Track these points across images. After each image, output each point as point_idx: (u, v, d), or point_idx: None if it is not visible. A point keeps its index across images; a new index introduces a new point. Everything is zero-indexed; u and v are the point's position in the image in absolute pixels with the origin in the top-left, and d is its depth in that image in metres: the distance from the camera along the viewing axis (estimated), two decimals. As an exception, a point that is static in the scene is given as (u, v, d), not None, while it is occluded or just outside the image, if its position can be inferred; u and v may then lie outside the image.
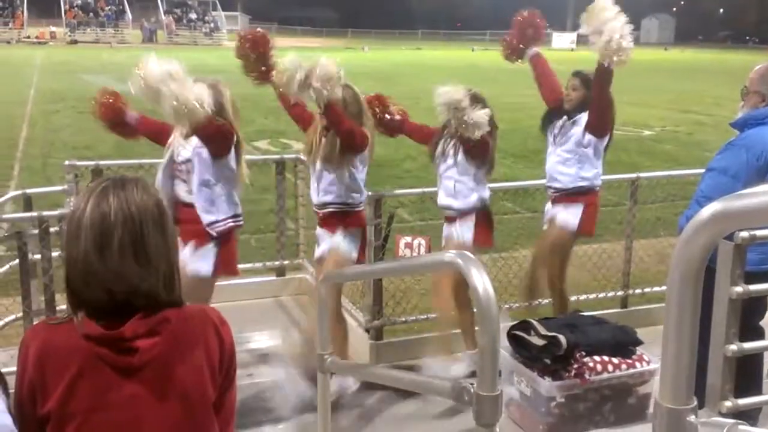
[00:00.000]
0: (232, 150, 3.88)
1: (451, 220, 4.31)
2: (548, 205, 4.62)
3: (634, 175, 5.20)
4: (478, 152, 4.16)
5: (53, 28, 49.39)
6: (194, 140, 3.82)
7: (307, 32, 65.81)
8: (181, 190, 3.93)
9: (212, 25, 54.08)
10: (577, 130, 4.36)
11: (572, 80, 4.41)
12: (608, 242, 5.82)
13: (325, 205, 4.17)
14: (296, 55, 3.94)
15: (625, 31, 3.95)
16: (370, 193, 4.43)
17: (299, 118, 4.49)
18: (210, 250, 3.85)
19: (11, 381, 1.53)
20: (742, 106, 3.55)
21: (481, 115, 4.01)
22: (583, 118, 4.33)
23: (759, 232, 2.61)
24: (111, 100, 4.26)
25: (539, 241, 4.77)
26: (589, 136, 4.33)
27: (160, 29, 51.43)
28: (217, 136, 3.78)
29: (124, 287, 1.47)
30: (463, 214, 4.23)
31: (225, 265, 3.93)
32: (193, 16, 54.91)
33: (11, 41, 45.89)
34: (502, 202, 7.53)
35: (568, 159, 4.40)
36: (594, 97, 4.25)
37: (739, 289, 2.61)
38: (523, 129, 13.31)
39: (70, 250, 1.49)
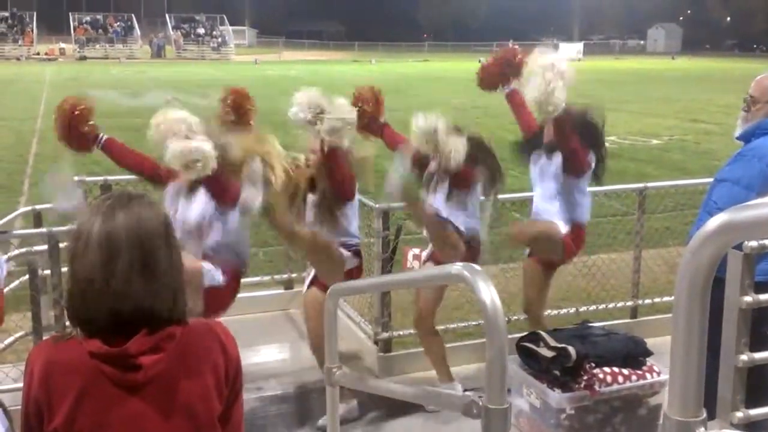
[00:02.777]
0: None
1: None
2: None
3: (641, 185, 5.18)
4: (464, 182, 4.09)
5: (63, 45, 49.91)
6: (200, 197, 3.67)
7: (314, 45, 66.27)
8: (193, 249, 3.68)
9: (220, 39, 54.49)
10: (556, 168, 4.19)
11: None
12: (617, 252, 5.80)
13: None
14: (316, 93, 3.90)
15: (552, 86, 3.75)
16: (377, 205, 4.44)
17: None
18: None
19: (18, 397, 1.54)
20: (746, 116, 3.46)
21: (457, 143, 3.95)
22: (560, 156, 4.16)
23: (768, 242, 2.59)
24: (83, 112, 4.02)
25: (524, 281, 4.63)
26: (565, 176, 4.16)
27: (168, 44, 51.85)
28: (223, 189, 3.65)
29: (130, 304, 1.47)
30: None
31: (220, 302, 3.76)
32: (201, 31, 55.36)
33: (21, 58, 46.39)
34: (510, 213, 7.52)
35: (550, 195, 4.24)
36: (559, 147, 4.11)
37: (749, 299, 2.60)
38: (530, 139, 13.24)
39: (75, 267, 1.49)
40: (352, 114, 3.93)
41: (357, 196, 4.13)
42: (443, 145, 3.94)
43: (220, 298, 3.69)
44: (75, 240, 1.51)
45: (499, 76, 4.49)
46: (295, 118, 3.89)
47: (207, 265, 3.63)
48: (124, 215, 1.49)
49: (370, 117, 4.43)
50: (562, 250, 4.22)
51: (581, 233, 4.29)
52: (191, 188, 3.68)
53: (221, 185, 3.62)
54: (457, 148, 3.95)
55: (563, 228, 4.19)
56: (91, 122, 4.03)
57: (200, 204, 3.64)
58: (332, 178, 3.91)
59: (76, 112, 3.98)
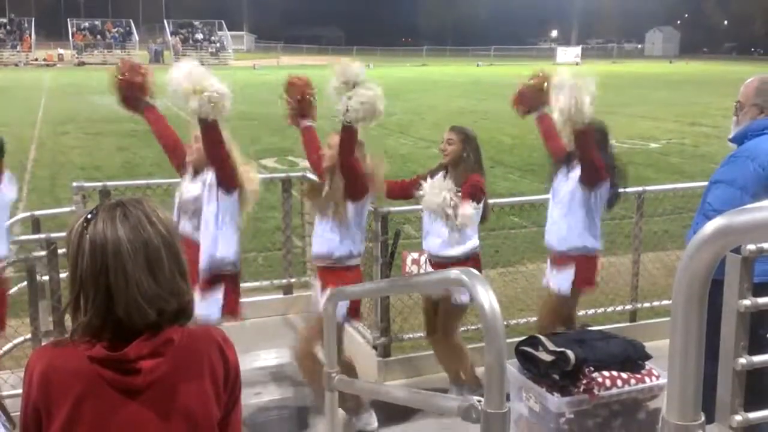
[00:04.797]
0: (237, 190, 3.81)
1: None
2: (547, 266, 4.47)
3: (640, 189, 5.19)
4: (479, 193, 4.15)
5: (61, 51, 49.92)
6: (206, 176, 3.80)
7: (312, 50, 66.31)
8: (188, 228, 3.87)
9: (218, 45, 54.52)
10: (571, 184, 4.21)
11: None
12: (616, 256, 5.81)
13: (319, 258, 4.04)
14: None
15: (582, 94, 3.86)
16: (377, 208, 4.44)
17: (315, 163, 4.31)
18: (216, 297, 3.77)
19: (17, 404, 1.54)
20: (736, 121, 3.52)
21: (468, 213, 3.98)
22: (577, 171, 4.18)
23: (767, 245, 2.59)
24: (141, 75, 4.13)
25: (540, 306, 4.65)
26: (580, 189, 4.17)
27: (166, 50, 51.84)
28: (231, 169, 3.74)
29: (134, 310, 1.47)
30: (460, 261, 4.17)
31: (230, 310, 3.85)
32: (200, 36, 55.38)
33: (19, 64, 46.39)
34: (509, 217, 7.52)
35: (564, 214, 4.24)
36: (579, 156, 4.13)
37: (747, 302, 2.60)
38: (528, 143, 13.33)
39: (78, 274, 1.49)
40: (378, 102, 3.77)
41: (368, 202, 4.04)
42: (453, 217, 4.00)
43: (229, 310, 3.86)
44: (77, 245, 1.50)
45: (533, 101, 4.55)
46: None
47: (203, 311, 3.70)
48: (128, 220, 1.49)
49: (296, 111, 4.29)
50: (578, 295, 4.35)
51: (592, 264, 4.29)
52: (196, 171, 3.87)
53: (229, 172, 3.71)
54: (468, 218, 4.00)
55: (567, 280, 4.22)
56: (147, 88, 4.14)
57: (202, 185, 3.78)
58: (347, 174, 3.87)
59: (142, 73, 4.13)
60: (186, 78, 3.56)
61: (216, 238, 3.74)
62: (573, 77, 3.96)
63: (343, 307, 3.85)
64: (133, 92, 4.09)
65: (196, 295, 3.62)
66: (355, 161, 3.85)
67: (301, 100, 4.27)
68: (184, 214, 3.92)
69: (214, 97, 3.53)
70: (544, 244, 4.44)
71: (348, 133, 3.77)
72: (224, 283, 3.78)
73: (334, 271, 3.96)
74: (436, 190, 4.04)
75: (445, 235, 4.16)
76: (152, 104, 4.15)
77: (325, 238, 3.96)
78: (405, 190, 4.33)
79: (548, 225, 4.39)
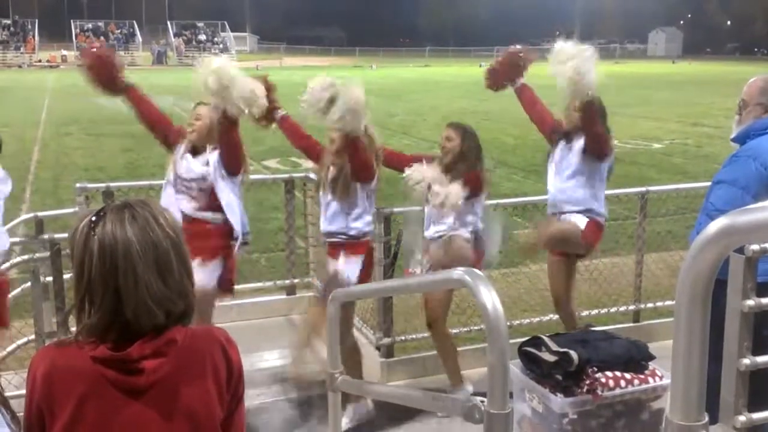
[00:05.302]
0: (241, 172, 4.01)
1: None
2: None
3: (643, 189, 5.19)
4: (477, 187, 4.17)
5: (64, 52, 49.99)
6: (210, 156, 3.92)
7: (315, 51, 66.37)
8: (188, 206, 3.97)
9: (221, 45, 54.58)
10: (578, 152, 4.28)
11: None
12: (619, 256, 5.80)
13: (330, 234, 4.10)
14: (326, 76, 3.95)
15: (586, 66, 3.93)
16: (378, 208, 4.44)
17: (308, 150, 4.38)
18: (216, 266, 3.95)
19: (20, 405, 1.54)
20: (739, 119, 3.53)
21: (454, 192, 3.99)
22: (580, 142, 4.26)
23: (770, 245, 2.59)
24: (106, 56, 4.18)
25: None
26: (587, 159, 4.25)
27: (170, 51, 51.94)
28: (238, 151, 3.92)
29: (142, 311, 1.47)
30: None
31: (226, 282, 4.03)
32: (203, 37, 55.49)
33: (23, 65, 46.49)
34: (512, 218, 7.52)
35: (569, 179, 4.32)
36: (584, 129, 4.18)
37: (750, 302, 2.59)
38: (530, 143, 13.32)
39: (85, 276, 1.49)
40: (359, 102, 3.78)
41: (375, 181, 4.07)
42: (439, 197, 4.00)
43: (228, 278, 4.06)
44: (83, 247, 1.49)
45: (505, 75, 4.60)
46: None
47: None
48: (137, 221, 1.49)
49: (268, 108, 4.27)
50: (583, 245, 4.35)
51: (600, 226, 4.37)
52: (195, 150, 3.99)
53: (236, 152, 3.89)
54: (453, 195, 4.00)
55: (582, 221, 4.27)
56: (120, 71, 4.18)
57: (203, 165, 3.93)
58: (352, 162, 3.92)
59: (108, 58, 4.17)
60: (219, 76, 3.68)
61: (241, 212, 3.98)
62: (575, 47, 4.00)
63: (355, 271, 3.97)
64: (104, 73, 4.12)
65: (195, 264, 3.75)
66: (363, 157, 3.90)
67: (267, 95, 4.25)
68: (185, 191, 3.99)
69: (247, 97, 3.69)
70: (547, 212, 4.50)
71: (353, 141, 3.81)
72: (227, 258, 4.00)
73: (345, 244, 4.05)
74: (420, 170, 4.07)
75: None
76: (131, 83, 4.19)
77: (334, 217, 4.03)
78: (400, 164, 4.31)
79: (552, 193, 4.44)
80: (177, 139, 4.10)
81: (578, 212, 4.33)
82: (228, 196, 3.96)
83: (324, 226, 4.13)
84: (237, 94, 3.69)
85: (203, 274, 3.82)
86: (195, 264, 3.80)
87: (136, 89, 4.19)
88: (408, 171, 4.10)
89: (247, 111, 3.75)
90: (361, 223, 4.05)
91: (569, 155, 4.32)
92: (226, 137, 3.87)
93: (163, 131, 4.18)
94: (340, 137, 3.90)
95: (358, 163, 3.90)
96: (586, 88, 3.94)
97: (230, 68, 3.76)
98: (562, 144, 4.37)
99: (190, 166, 3.97)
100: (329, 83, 3.88)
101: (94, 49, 4.21)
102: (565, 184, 4.35)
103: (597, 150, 4.22)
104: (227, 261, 4.01)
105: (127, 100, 4.22)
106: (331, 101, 3.79)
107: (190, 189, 3.98)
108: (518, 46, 4.72)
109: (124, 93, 4.17)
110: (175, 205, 3.92)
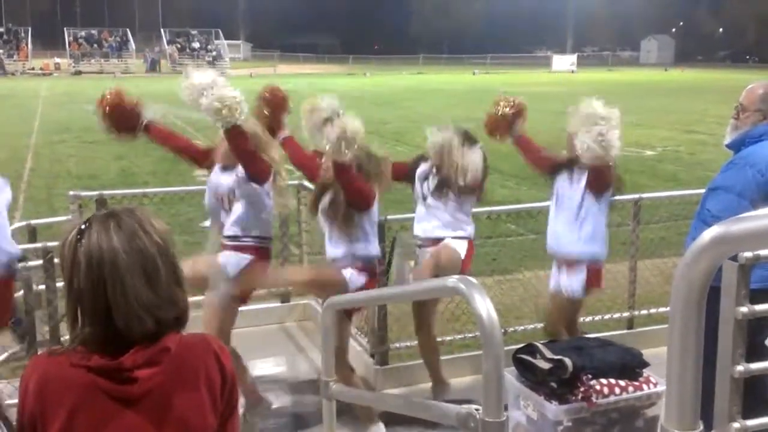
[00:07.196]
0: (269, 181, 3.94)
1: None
2: (553, 270, 4.41)
3: (636, 196, 5.20)
4: (474, 193, 4.18)
5: (57, 60, 49.85)
6: (237, 169, 3.89)
7: (308, 59, 66.39)
8: (219, 217, 4.01)
9: (215, 53, 54.56)
10: (579, 192, 4.19)
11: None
12: (613, 263, 5.80)
13: (335, 260, 4.00)
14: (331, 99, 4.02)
15: (610, 136, 3.91)
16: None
17: (305, 166, 4.34)
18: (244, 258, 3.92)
19: (12, 414, 1.53)
20: (735, 124, 3.52)
21: (474, 158, 3.98)
22: (583, 178, 4.17)
23: (763, 252, 2.59)
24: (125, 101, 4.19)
25: (549, 310, 4.59)
26: (588, 196, 4.17)
27: (163, 59, 51.90)
28: (256, 159, 3.83)
29: (133, 320, 1.47)
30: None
31: (251, 278, 4.01)
32: (196, 45, 55.45)
33: (16, 73, 46.36)
34: (506, 225, 7.53)
35: (570, 222, 4.22)
36: (590, 167, 4.11)
37: (744, 309, 2.60)
38: (525, 151, 13.25)
39: (75, 285, 1.49)
40: (353, 128, 3.72)
41: (375, 207, 3.98)
42: (458, 159, 3.99)
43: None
44: (71, 258, 1.49)
45: (503, 127, 4.54)
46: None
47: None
48: (123, 230, 1.49)
49: (270, 123, 4.26)
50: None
51: (600, 269, 4.28)
52: (225, 166, 3.95)
53: (258, 164, 3.83)
54: (474, 163, 3.98)
55: (586, 258, 4.19)
56: (137, 108, 4.20)
57: (233, 178, 3.89)
58: (346, 192, 3.83)
59: (124, 99, 4.20)
60: (198, 88, 3.61)
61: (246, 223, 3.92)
62: (598, 106, 3.94)
63: (362, 277, 3.91)
64: (123, 120, 4.15)
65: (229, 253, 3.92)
66: (357, 185, 3.81)
67: (273, 114, 4.30)
68: (221, 205, 3.99)
69: (228, 105, 3.60)
70: (547, 249, 4.41)
71: (343, 171, 3.73)
72: (256, 254, 3.95)
73: (353, 264, 3.95)
74: (446, 132, 4.09)
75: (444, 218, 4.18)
76: (149, 120, 4.18)
77: (338, 243, 3.94)
78: (397, 173, 4.26)
79: (553, 231, 4.34)
80: (206, 160, 4.13)
81: (578, 261, 4.20)
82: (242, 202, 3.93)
83: (329, 251, 4.02)
84: (204, 108, 3.59)
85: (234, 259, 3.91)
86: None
87: (155, 126, 4.21)
88: (430, 135, 4.10)
89: (219, 124, 3.65)
90: (367, 247, 3.95)
91: (571, 190, 4.23)
92: (235, 149, 3.80)
93: (191, 158, 4.25)
94: (331, 166, 3.80)
95: (351, 192, 3.81)
96: (608, 159, 3.96)
97: (203, 83, 3.63)
98: (564, 177, 4.28)
99: (221, 179, 3.98)
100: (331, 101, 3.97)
101: (109, 96, 4.20)
102: (566, 223, 4.24)
103: (597, 185, 4.16)
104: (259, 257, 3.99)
105: (149, 139, 4.26)
106: (327, 121, 3.85)
107: (223, 202, 3.99)
108: (504, 97, 4.61)
109: (145, 133, 4.19)
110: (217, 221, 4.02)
